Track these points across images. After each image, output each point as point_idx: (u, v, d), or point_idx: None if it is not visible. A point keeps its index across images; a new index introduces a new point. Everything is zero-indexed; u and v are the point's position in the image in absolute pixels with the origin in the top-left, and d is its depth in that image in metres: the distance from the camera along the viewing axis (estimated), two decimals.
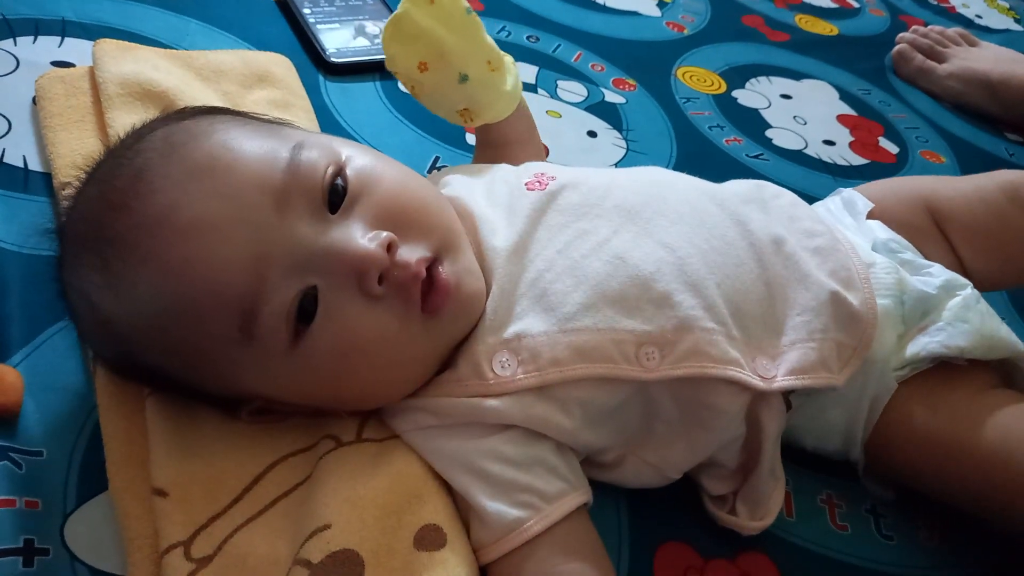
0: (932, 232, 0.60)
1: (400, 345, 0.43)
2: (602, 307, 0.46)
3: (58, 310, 0.50)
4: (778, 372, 0.47)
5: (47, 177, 0.59)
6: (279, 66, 0.72)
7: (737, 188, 0.56)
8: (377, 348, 0.43)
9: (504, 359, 0.45)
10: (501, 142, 0.62)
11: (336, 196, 0.44)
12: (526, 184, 0.51)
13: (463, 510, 0.45)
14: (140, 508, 0.43)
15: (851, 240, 0.54)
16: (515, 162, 0.57)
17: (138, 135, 0.45)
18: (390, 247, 0.42)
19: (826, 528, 0.53)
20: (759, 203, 0.54)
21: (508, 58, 0.59)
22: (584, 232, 0.49)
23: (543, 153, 0.64)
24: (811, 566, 0.50)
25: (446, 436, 0.45)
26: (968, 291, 0.53)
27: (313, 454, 0.46)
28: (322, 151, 0.44)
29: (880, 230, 0.58)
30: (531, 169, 0.54)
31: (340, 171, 0.44)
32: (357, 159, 0.46)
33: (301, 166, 0.43)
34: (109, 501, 0.43)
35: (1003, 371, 0.54)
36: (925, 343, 0.51)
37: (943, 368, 0.51)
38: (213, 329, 0.41)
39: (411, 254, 0.43)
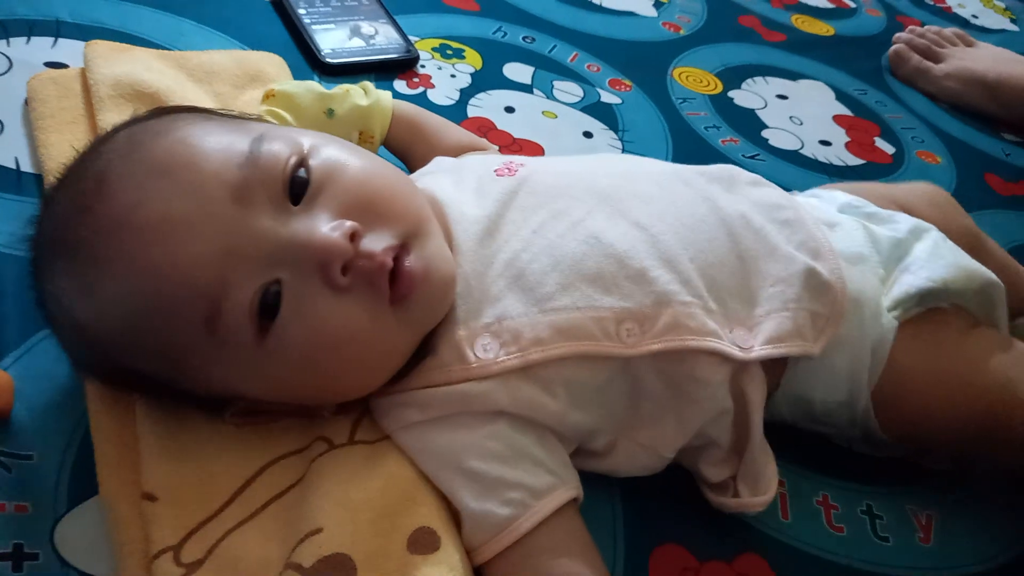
0: None
1: (371, 337, 0.43)
2: (580, 286, 0.46)
3: None
4: (755, 342, 0.48)
5: (40, 179, 0.58)
6: (272, 65, 0.72)
7: (703, 168, 0.57)
8: (346, 341, 0.42)
9: (486, 342, 0.45)
10: (399, 150, 0.65)
11: (298, 187, 0.43)
12: (495, 171, 0.52)
13: (455, 512, 0.44)
14: (131, 512, 0.42)
15: (814, 214, 0.56)
16: (424, 162, 0.59)
17: (105, 137, 0.45)
18: (354, 236, 0.41)
19: (822, 530, 0.52)
20: (726, 181, 0.55)
21: (361, 85, 0.65)
22: (558, 213, 0.49)
23: (458, 147, 0.64)
24: (807, 568, 0.50)
25: (434, 432, 0.45)
26: (934, 232, 0.56)
27: (305, 456, 0.46)
28: (284, 142, 0.44)
29: (841, 195, 0.61)
30: (501, 158, 0.54)
31: (303, 162, 0.43)
32: (322, 149, 0.45)
33: (261, 158, 0.42)
34: (100, 505, 0.43)
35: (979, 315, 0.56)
36: (911, 281, 0.53)
37: (930, 312, 0.53)
38: (179, 328, 0.41)
39: (376, 243, 0.42)
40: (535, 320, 0.45)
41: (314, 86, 0.64)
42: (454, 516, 0.44)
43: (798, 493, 0.54)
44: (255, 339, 0.41)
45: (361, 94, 0.64)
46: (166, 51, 0.70)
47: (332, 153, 0.45)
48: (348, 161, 0.45)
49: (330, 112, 0.62)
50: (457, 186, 0.52)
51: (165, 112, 0.47)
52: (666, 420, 0.48)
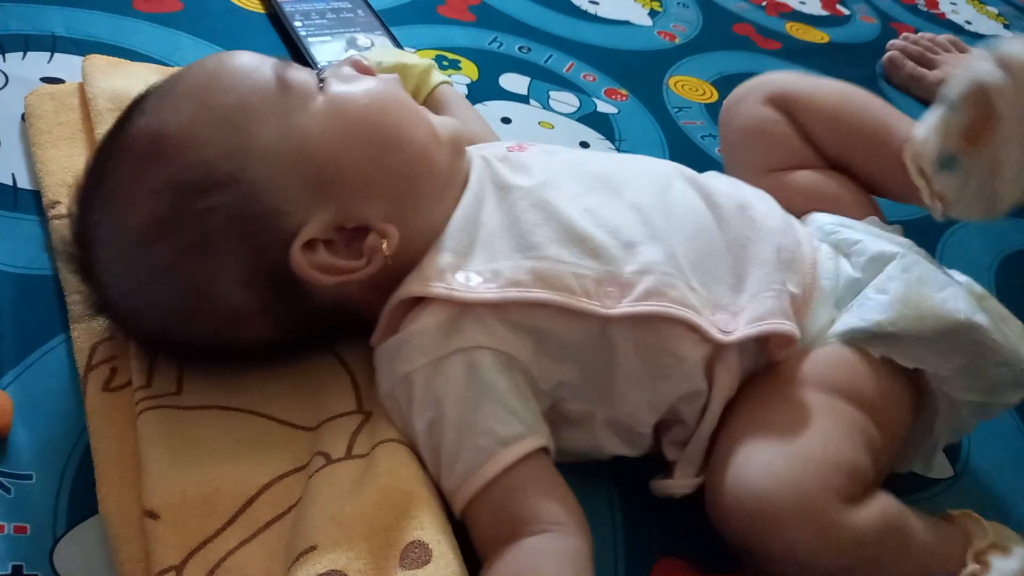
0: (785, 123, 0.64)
1: (408, 103, 0.50)
2: (567, 244, 0.48)
3: (49, 329, 0.50)
4: (738, 326, 0.48)
5: (37, 195, 0.58)
6: None
7: (706, 173, 0.58)
8: (392, 97, 0.49)
9: (469, 275, 0.46)
10: None
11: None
12: (507, 148, 0.55)
13: (435, 474, 0.45)
14: (132, 531, 0.42)
15: (803, 231, 0.56)
16: None
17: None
18: None
19: None
20: (725, 178, 0.57)
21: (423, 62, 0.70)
22: (559, 185, 0.51)
23: (480, 138, 0.67)
24: None
25: (421, 380, 0.46)
26: (894, 264, 0.52)
27: (306, 473, 0.46)
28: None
29: (820, 216, 0.58)
30: (512, 142, 0.57)
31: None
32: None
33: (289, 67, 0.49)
34: (100, 524, 0.43)
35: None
36: (845, 319, 0.51)
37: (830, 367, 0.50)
38: (255, 85, 0.46)
39: None
40: (517, 263, 0.47)
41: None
42: (452, 519, 0.45)
43: None
44: (317, 87, 0.47)
45: (412, 56, 0.70)
46: (164, 66, 0.70)
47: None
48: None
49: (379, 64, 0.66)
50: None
51: None
52: (639, 394, 0.48)
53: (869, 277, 0.53)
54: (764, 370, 0.50)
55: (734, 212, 0.52)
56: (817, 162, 0.64)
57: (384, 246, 0.46)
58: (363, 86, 0.49)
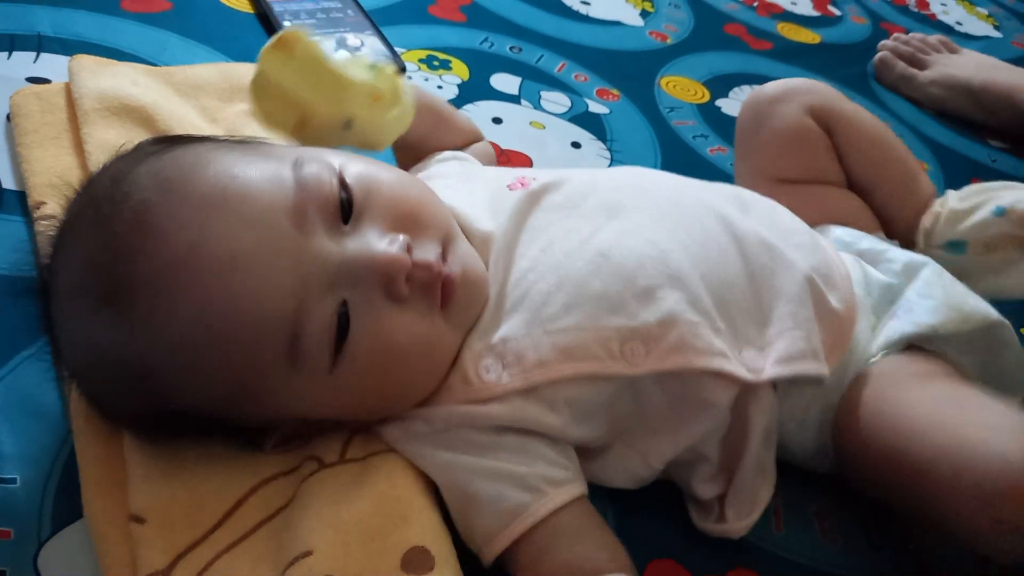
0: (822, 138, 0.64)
1: (431, 342, 0.44)
2: (585, 305, 0.46)
3: (33, 332, 0.49)
4: (766, 363, 0.47)
5: (22, 196, 0.58)
6: None
7: (717, 187, 0.57)
8: (412, 348, 0.43)
9: (488, 363, 0.45)
10: (413, 144, 0.60)
11: (345, 207, 0.43)
12: (508, 186, 0.52)
13: (465, 513, 0.44)
14: (118, 535, 0.41)
15: (827, 243, 0.55)
16: (437, 150, 0.59)
17: (116, 177, 0.42)
18: (408, 250, 0.43)
19: (817, 541, 0.52)
20: (739, 203, 0.55)
21: (390, 75, 0.53)
22: (567, 231, 0.49)
23: (466, 134, 0.64)
24: None
25: (442, 439, 0.45)
26: (928, 269, 0.54)
27: (296, 476, 0.45)
28: (319, 164, 0.44)
29: (837, 229, 0.60)
30: (513, 172, 0.54)
31: (341, 181, 0.44)
32: (351, 166, 0.45)
33: (308, 182, 0.43)
34: (85, 529, 0.42)
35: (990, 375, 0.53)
36: (895, 326, 0.52)
37: (915, 363, 0.51)
38: (258, 359, 0.40)
39: (427, 253, 0.44)
40: (539, 341, 0.45)
41: (357, 86, 0.52)
42: (462, 521, 0.44)
43: (792, 504, 0.53)
44: (331, 361, 0.42)
45: (391, 108, 0.53)
46: (151, 66, 0.69)
47: (363, 169, 0.46)
48: (380, 175, 0.46)
49: (347, 124, 0.51)
50: (470, 199, 0.51)
51: (172, 142, 0.45)
52: (663, 431, 0.48)
53: (905, 283, 0.54)
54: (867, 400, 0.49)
55: (753, 239, 0.50)
56: (840, 182, 0.65)
57: None
58: (383, 343, 0.42)
